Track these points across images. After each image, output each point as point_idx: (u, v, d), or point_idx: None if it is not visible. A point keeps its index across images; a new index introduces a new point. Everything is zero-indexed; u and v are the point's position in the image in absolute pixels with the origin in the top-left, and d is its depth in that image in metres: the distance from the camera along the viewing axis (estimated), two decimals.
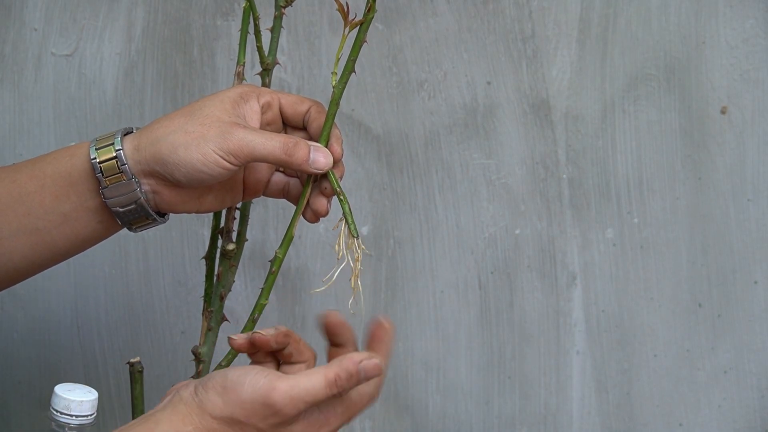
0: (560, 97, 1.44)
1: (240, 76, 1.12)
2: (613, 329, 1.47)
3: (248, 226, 1.12)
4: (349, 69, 1.03)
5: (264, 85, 1.11)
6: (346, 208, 1.03)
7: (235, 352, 1.06)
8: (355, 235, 1.03)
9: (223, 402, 0.93)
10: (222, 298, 1.12)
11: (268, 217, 1.43)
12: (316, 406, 0.94)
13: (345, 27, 1.02)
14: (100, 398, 0.97)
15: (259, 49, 1.11)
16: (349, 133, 1.42)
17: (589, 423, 1.48)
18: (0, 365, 1.43)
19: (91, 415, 0.96)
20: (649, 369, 1.48)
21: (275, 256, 1.06)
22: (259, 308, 1.07)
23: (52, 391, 0.96)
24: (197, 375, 1.12)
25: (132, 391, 1.10)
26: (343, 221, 1.03)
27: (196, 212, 1.05)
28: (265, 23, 1.11)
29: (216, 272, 1.12)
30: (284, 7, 1.10)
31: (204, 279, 1.13)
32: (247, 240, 1.12)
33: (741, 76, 1.44)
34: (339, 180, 1.04)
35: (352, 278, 1.03)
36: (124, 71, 1.40)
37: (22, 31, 1.39)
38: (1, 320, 1.42)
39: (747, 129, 1.45)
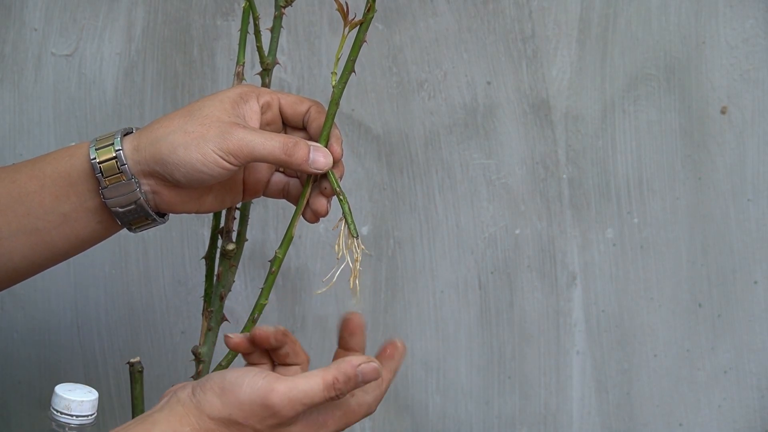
0: (560, 97, 1.44)
1: (240, 76, 1.12)
2: (613, 329, 1.47)
3: (248, 226, 1.12)
4: (349, 69, 1.03)
5: (264, 85, 1.11)
6: (346, 208, 1.03)
7: (234, 352, 1.06)
8: (355, 235, 1.03)
9: (221, 403, 0.93)
10: (222, 298, 1.12)
11: (268, 217, 1.43)
12: (315, 408, 0.94)
13: (345, 27, 1.02)
14: (100, 398, 0.97)
15: (259, 49, 1.11)
16: (349, 133, 1.42)
17: (589, 423, 1.48)
18: (0, 365, 1.43)
19: (91, 415, 0.96)
20: (649, 369, 1.48)
21: (275, 256, 1.06)
22: (259, 308, 1.07)
23: (52, 391, 0.96)
24: (197, 375, 1.12)
25: (132, 391, 1.10)
26: (343, 221, 1.03)
27: (196, 212, 1.05)
28: (265, 23, 1.11)
29: (216, 272, 1.12)
30: (284, 7, 1.10)
31: (204, 279, 1.13)
32: (247, 240, 1.12)
33: (741, 76, 1.44)
34: (339, 180, 1.04)
35: (352, 278, 1.03)
36: (124, 71, 1.40)
37: (22, 31, 1.39)
38: (1, 320, 1.42)
39: (747, 129, 1.45)
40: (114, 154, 1.01)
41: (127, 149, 1.01)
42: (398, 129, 1.43)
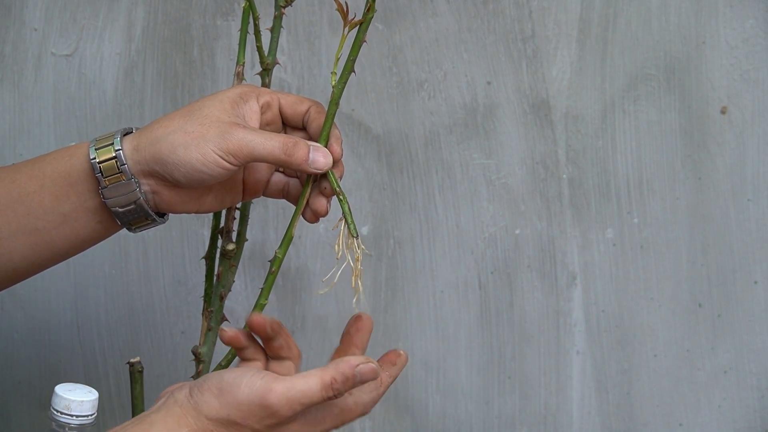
0: (560, 97, 1.44)
1: (240, 76, 1.12)
2: (613, 329, 1.47)
3: (248, 226, 1.12)
4: (349, 69, 1.03)
5: (264, 85, 1.11)
6: (346, 208, 1.03)
7: (234, 351, 1.06)
8: (355, 235, 1.03)
9: (219, 404, 0.93)
10: (222, 298, 1.12)
11: (268, 217, 1.43)
12: (312, 407, 0.94)
13: (344, 27, 1.02)
14: (100, 398, 0.97)
15: (259, 49, 1.11)
16: (349, 133, 1.42)
17: (589, 423, 1.48)
18: (0, 365, 1.43)
19: (91, 415, 0.96)
20: (649, 369, 1.48)
21: (275, 256, 1.05)
22: (259, 308, 1.07)
23: (52, 391, 0.96)
24: (197, 375, 1.12)
25: (132, 391, 1.10)
26: (343, 221, 1.03)
27: (196, 212, 1.05)
28: (265, 23, 1.11)
29: (216, 272, 1.12)
30: (284, 7, 1.10)
31: (204, 279, 1.13)
32: (247, 240, 1.12)
33: (741, 76, 1.44)
34: (339, 180, 1.04)
35: (353, 278, 1.03)
36: (124, 71, 1.40)
37: (22, 31, 1.39)
38: (1, 320, 1.43)
39: (747, 129, 1.45)
40: (114, 154, 1.01)
41: (126, 149, 1.01)
42: (398, 129, 1.43)
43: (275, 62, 1.11)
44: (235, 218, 1.11)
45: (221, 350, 1.09)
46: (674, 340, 1.48)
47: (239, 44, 1.11)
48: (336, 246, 1.03)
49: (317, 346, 1.45)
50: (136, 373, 1.10)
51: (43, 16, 1.39)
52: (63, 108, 1.40)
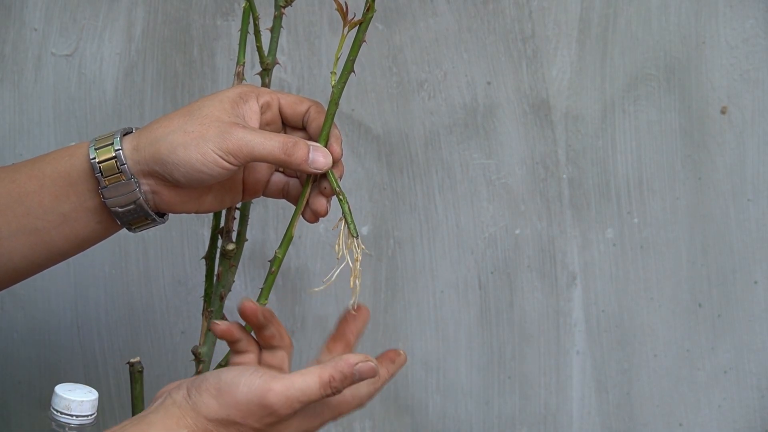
0: (560, 97, 1.44)
1: (240, 76, 1.12)
2: (613, 329, 1.47)
3: (248, 226, 1.12)
4: (348, 69, 1.03)
5: (264, 85, 1.11)
6: (346, 208, 1.03)
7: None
8: (355, 235, 1.03)
9: (218, 404, 0.93)
10: (222, 298, 1.12)
11: (268, 217, 1.43)
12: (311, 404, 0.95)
13: (344, 27, 1.02)
14: (100, 398, 0.97)
15: (259, 49, 1.11)
16: (349, 133, 1.42)
17: (589, 423, 1.48)
18: (0, 365, 1.43)
19: (91, 415, 0.96)
20: (649, 369, 1.48)
21: (275, 256, 1.05)
22: None
23: (52, 391, 0.96)
24: (197, 375, 1.12)
25: (132, 391, 1.10)
26: (343, 221, 1.03)
27: (196, 212, 1.05)
28: (265, 23, 1.11)
29: (216, 272, 1.12)
30: (284, 7, 1.10)
31: (204, 279, 1.13)
32: (247, 240, 1.12)
33: (741, 76, 1.44)
34: (338, 180, 1.04)
35: (352, 278, 1.03)
36: (124, 71, 1.40)
37: (22, 31, 1.39)
38: (1, 320, 1.43)
39: (747, 129, 1.45)
40: (113, 154, 1.00)
41: (126, 149, 1.01)
42: (398, 129, 1.43)
43: (275, 62, 1.11)
44: (235, 218, 1.11)
45: (221, 350, 1.09)
46: (674, 340, 1.48)
47: (239, 44, 1.11)
48: (336, 246, 1.03)
49: (317, 346, 1.45)
50: (136, 373, 1.10)
51: (43, 16, 1.39)
52: (63, 108, 1.40)
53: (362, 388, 0.99)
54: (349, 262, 1.03)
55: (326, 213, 1.05)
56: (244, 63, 1.11)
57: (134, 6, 1.39)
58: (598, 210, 1.46)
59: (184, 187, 1.01)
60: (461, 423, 1.47)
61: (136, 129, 1.03)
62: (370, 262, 1.44)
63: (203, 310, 1.12)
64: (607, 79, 1.44)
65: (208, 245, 1.13)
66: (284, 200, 1.08)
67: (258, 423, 0.94)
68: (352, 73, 1.03)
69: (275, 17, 1.10)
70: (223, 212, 1.12)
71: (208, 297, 1.12)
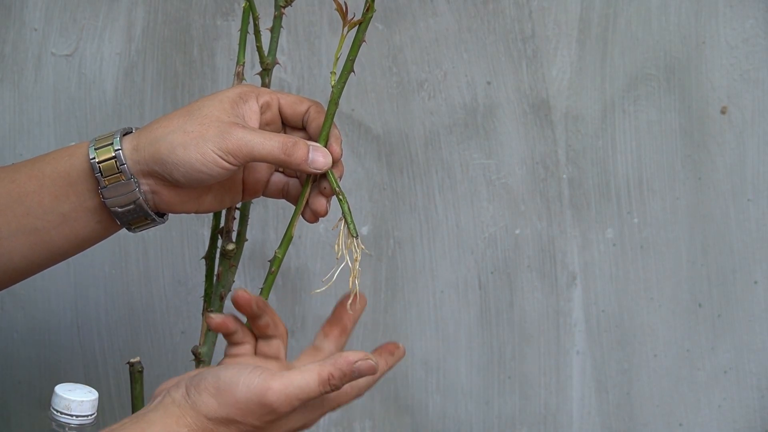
0: (560, 97, 1.44)
1: (240, 76, 1.12)
2: (613, 329, 1.47)
3: (248, 226, 1.12)
4: (348, 69, 1.03)
5: (264, 85, 1.11)
6: (346, 208, 1.03)
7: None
8: (355, 235, 1.03)
9: (218, 403, 0.94)
10: (222, 298, 1.12)
11: (267, 217, 1.43)
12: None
13: (344, 27, 1.02)
14: (100, 398, 0.97)
15: (259, 49, 1.11)
16: (349, 133, 1.42)
17: (589, 423, 1.48)
18: (0, 365, 1.43)
19: (91, 415, 0.96)
20: (649, 369, 1.48)
21: (275, 256, 1.06)
22: None
23: (52, 391, 0.96)
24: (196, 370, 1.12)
25: (132, 391, 1.10)
26: (343, 221, 1.03)
27: (195, 212, 1.05)
28: (265, 23, 1.11)
29: (216, 272, 1.12)
30: (284, 7, 1.10)
31: (204, 279, 1.13)
32: (247, 240, 1.12)
33: (741, 76, 1.44)
34: (338, 180, 1.04)
35: (351, 278, 1.03)
36: (124, 71, 1.40)
37: (22, 31, 1.39)
38: (1, 320, 1.43)
39: (747, 129, 1.45)
40: (113, 154, 1.00)
41: (126, 149, 1.01)
42: (398, 129, 1.43)
43: (275, 62, 1.11)
44: (235, 218, 1.11)
45: (221, 350, 1.09)
46: (674, 340, 1.48)
47: (239, 44, 1.11)
48: (336, 246, 1.03)
49: None
50: (136, 373, 1.10)
51: (43, 16, 1.39)
52: (63, 108, 1.40)
53: (361, 379, 1.00)
54: (349, 262, 1.03)
55: (326, 213, 1.05)
56: (244, 63, 1.11)
57: (134, 6, 1.39)
58: (598, 210, 1.46)
59: (184, 187, 1.01)
60: (461, 423, 1.47)
61: (136, 129, 1.03)
62: (370, 262, 1.44)
63: (203, 310, 1.12)
64: (607, 79, 1.44)
65: (208, 245, 1.13)
66: (284, 200, 1.08)
67: (258, 421, 0.94)
68: (352, 73, 1.03)
69: (275, 17, 1.10)
70: (223, 212, 1.12)
71: (208, 297, 1.12)
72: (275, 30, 1.11)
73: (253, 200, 1.12)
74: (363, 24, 1.02)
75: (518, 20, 1.42)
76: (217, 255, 1.12)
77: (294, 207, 1.06)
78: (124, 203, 1.01)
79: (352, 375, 0.96)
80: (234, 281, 1.12)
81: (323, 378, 0.95)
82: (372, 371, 0.97)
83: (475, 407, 1.47)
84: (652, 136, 1.45)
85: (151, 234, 1.41)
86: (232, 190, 1.06)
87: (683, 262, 1.47)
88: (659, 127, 1.45)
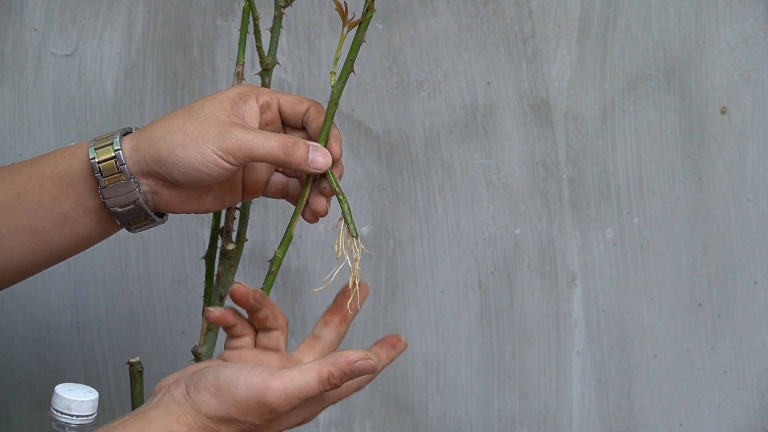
0: (560, 97, 1.44)
1: (240, 76, 1.12)
2: (613, 329, 1.47)
3: (248, 226, 1.12)
4: (348, 68, 1.03)
5: (264, 85, 1.11)
6: (345, 208, 1.03)
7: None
8: (355, 235, 1.03)
9: (218, 403, 0.94)
10: (222, 298, 1.12)
11: (267, 217, 1.43)
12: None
13: (344, 27, 1.02)
14: (100, 398, 0.97)
15: (259, 49, 1.11)
16: (349, 133, 1.42)
17: (589, 423, 1.48)
18: (0, 365, 1.43)
19: (91, 415, 0.96)
20: (649, 369, 1.48)
21: (275, 256, 1.06)
22: None
23: (52, 391, 0.96)
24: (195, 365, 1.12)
25: (132, 391, 1.10)
26: (343, 221, 1.03)
27: (195, 212, 1.05)
28: (265, 23, 1.11)
29: (216, 272, 1.12)
30: (284, 7, 1.10)
31: (204, 279, 1.13)
32: (246, 240, 1.12)
33: (741, 76, 1.44)
34: (338, 180, 1.04)
35: (351, 278, 1.03)
36: (124, 71, 1.40)
37: (22, 31, 1.39)
38: (1, 320, 1.43)
39: (747, 129, 1.45)
40: (113, 154, 1.01)
41: (126, 149, 1.01)
42: (398, 129, 1.43)
43: (275, 62, 1.11)
44: (235, 218, 1.11)
45: (221, 350, 1.09)
46: (674, 340, 1.48)
47: (239, 44, 1.11)
48: (336, 246, 1.03)
49: None
50: (136, 373, 1.10)
51: (43, 16, 1.39)
52: (63, 108, 1.40)
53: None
54: (349, 262, 1.03)
55: (326, 213, 1.05)
56: (243, 63, 1.11)
57: (134, 6, 1.39)
58: (598, 210, 1.46)
59: (184, 187, 1.01)
60: (461, 423, 1.47)
61: (136, 129, 1.03)
62: (370, 262, 1.44)
63: (203, 310, 1.12)
64: (607, 79, 1.44)
65: (208, 245, 1.13)
66: (284, 200, 1.08)
67: (258, 420, 0.94)
68: (352, 73, 1.03)
69: (275, 17, 1.10)
70: (223, 212, 1.12)
71: (208, 297, 1.12)
72: (275, 30, 1.11)
73: (253, 200, 1.12)
74: (363, 24, 1.02)
75: (518, 20, 1.42)
76: (217, 255, 1.12)
77: (294, 207, 1.06)
78: (124, 203, 1.01)
79: (352, 374, 0.96)
80: (234, 281, 1.12)
81: (323, 377, 0.95)
82: (372, 371, 0.97)
83: (475, 407, 1.47)
84: (652, 136, 1.45)
85: (151, 234, 1.41)
86: (232, 190, 1.06)
87: (683, 262, 1.47)
88: (659, 127, 1.45)
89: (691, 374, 1.48)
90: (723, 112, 1.45)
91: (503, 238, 1.45)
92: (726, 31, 1.44)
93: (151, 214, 1.03)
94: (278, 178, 1.08)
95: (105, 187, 1.01)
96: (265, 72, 1.11)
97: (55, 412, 0.96)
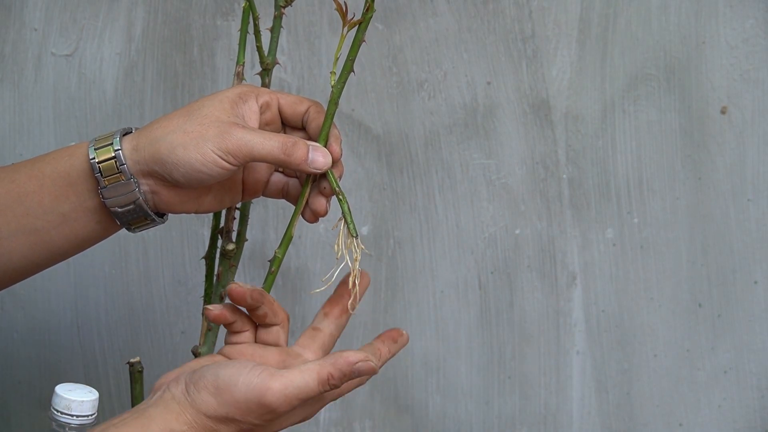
0: (560, 97, 1.44)
1: (240, 76, 1.12)
2: (613, 329, 1.47)
3: (248, 226, 1.12)
4: (348, 68, 1.03)
5: (264, 85, 1.11)
6: (345, 208, 1.03)
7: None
8: (355, 235, 1.03)
9: (217, 402, 0.94)
10: (222, 298, 1.12)
11: (267, 217, 1.43)
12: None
13: (344, 27, 1.02)
14: (100, 398, 0.97)
15: (259, 49, 1.11)
16: (349, 133, 1.42)
17: (589, 423, 1.48)
18: (0, 365, 1.43)
19: (91, 415, 0.96)
20: (649, 369, 1.48)
21: (275, 256, 1.06)
22: None
23: (52, 391, 0.96)
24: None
25: (132, 391, 1.10)
26: (343, 221, 1.03)
27: (195, 212, 1.05)
28: (265, 23, 1.11)
29: (216, 272, 1.12)
30: (284, 7, 1.10)
31: (204, 279, 1.13)
32: (246, 240, 1.12)
33: (741, 76, 1.44)
34: (338, 180, 1.04)
35: (351, 278, 1.03)
36: (124, 71, 1.40)
37: (22, 31, 1.39)
38: (1, 320, 1.43)
39: (747, 129, 1.45)
40: (113, 154, 1.00)
41: (126, 149, 1.01)
42: (398, 129, 1.43)
43: (275, 62, 1.11)
44: (235, 218, 1.11)
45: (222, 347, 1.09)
46: (674, 340, 1.48)
47: (239, 44, 1.11)
48: (336, 246, 1.03)
49: None
50: (136, 373, 1.10)
51: (43, 16, 1.39)
52: (63, 108, 1.40)
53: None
54: (349, 261, 1.03)
55: (326, 213, 1.05)
56: (243, 63, 1.11)
57: (134, 6, 1.39)
58: (598, 210, 1.46)
59: (184, 187, 1.01)
60: (461, 423, 1.47)
61: (136, 129, 1.03)
62: (370, 262, 1.44)
63: (203, 310, 1.12)
64: (607, 79, 1.44)
65: (208, 245, 1.13)
66: (284, 200, 1.08)
67: (258, 420, 0.94)
68: (352, 73, 1.03)
69: (275, 17, 1.10)
70: (223, 212, 1.12)
71: (208, 297, 1.12)
72: (275, 30, 1.11)
73: (253, 200, 1.12)
74: (363, 24, 1.02)
75: (518, 20, 1.42)
76: (217, 255, 1.12)
77: (294, 207, 1.06)
78: (124, 203, 1.01)
79: (352, 375, 0.96)
80: (233, 281, 1.12)
81: (323, 378, 0.95)
82: (372, 372, 0.97)
83: (475, 407, 1.47)
84: (652, 136, 1.45)
85: (151, 234, 1.41)
86: (232, 190, 1.06)
87: (683, 262, 1.47)
88: (659, 127, 1.45)
89: (691, 374, 1.48)
90: (723, 112, 1.45)
91: (503, 238, 1.45)
92: (726, 31, 1.44)
93: (151, 214, 1.03)
94: (278, 178, 1.07)
95: (105, 187, 1.01)
96: (265, 72, 1.11)
97: (55, 412, 0.96)
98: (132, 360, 1.10)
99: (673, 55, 1.44)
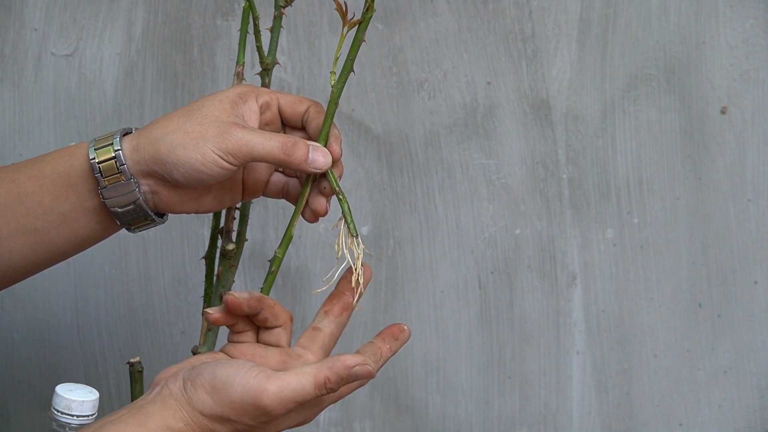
0: (560, 97, 1.44)
1: (240, 76, 1.12)
2: (613, 329, 1.47)
3: (248, 226, 1.12)
4: (348, 68, 1.03)
5: (264, 85, 1.11)
6: (345, 208, 1.03)
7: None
8: (355, 235, 1.03)
9: (213, 401, 0.94)
10: (222, 299, 1.12)
11: (267, 217, 1.43)
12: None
13: (343, 27, 1.02)
14: (100, 398, 0.97)
15: (259, 49, 1.11)
16: (349, 133, 1.42)
17: (589, 423, 1.48)
18: (0, 365, 1.43)
19: (92, 415, 0.96)
20: (649, 369, 1.48)
21: (275, 255, 1.05)
22: None
23: (52, 391, 0.96)
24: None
25: (132, 391, 1.10)
26: (343, 221, 1.03)
27: (195, 212, 1.05)
28: (265, 23, 1.11)
29: (216, 272, 1.12)
30: (284, 7, 1.10)
31: (204, 279, 1.13)
32: (246, 240, 1.12)
33: (741, 76, 1.44)
34: (338, 179, 1.04)
35: (353, 277, 1.03)
36: (124, 71, 1.40)
37: (22, 31, 1.39)
38: (1, 320, 1.43)
39: (747, 129, 1.45)
40: (113, 154, 1.00)
41: (126, 149, 1.01)
42: (398, 129, 1.43)
43: (275, 62, 1.11)
44: (235, 218, 1.11)
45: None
46: (674, 340, 1.48)
47: (239, 44, 1.11)
48: (336, 246, 1.03)
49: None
50: (136, 373, 1.10)
51: (43, 16, 1.39)
52: (63, 108, 1.40)
53: None
54: (350, 261, 1.03)
55: (326, 213, 1.05)
56: (243, 63, 1.11)
57: (134, 6, 1.39)
58: (598, 210, 1.46)
59: (184, 187, 1.01)
60: (461, 423, 1.47)
61: (136, 129, 1.03)
62: (370, 262, 1.44)
63: (203, 310, 1.12)
64: (607, 79, 1.44)
65: (208, 245, 1.13)
66: (284, 200, 1.08)
67: (253, 421, 0.94)
68: (352, 73, 1.03)
69: (275, 17, 1.10)
70: (223, 212, 1.12)
71: (208, 297, 1.12)
72: (275, 30, 1.11)
73: (253, 200, 1.12)
74: (363, 24, 1.02)
75: (518, 20, 1.42)
76: (217, 255, 1.12)
77: (294, 207, 1.06)
78: (124, 203, 1.01)
79: (349, 379, 0.95)
80: (234, 281, 1.12)
81: (319, 381, 0.94)
82: (369, 377, 0.96)
83: (475, 407, 1.47)
84: (652, 136, 1.45)
85: (151, 234, 1.41)
86: (232, 190, 1.06)
87: (683, 262, 1.47)
88: (659, 127, 1.45)
89: (691, 374, 1.48)
90: (723, 112, 1.45)
91: (503, 238, 1.45)
92: (726, 31, 1.44)
93: (151, 214, 1.03)
94: (278, 178, 1.07)
95: (105, 188, 1.01)
96: (265, 72, 1.11)
97: (55, 412, 0.96)
98: (132, 360, 1.10)
99: (673, 55, 1.44)
